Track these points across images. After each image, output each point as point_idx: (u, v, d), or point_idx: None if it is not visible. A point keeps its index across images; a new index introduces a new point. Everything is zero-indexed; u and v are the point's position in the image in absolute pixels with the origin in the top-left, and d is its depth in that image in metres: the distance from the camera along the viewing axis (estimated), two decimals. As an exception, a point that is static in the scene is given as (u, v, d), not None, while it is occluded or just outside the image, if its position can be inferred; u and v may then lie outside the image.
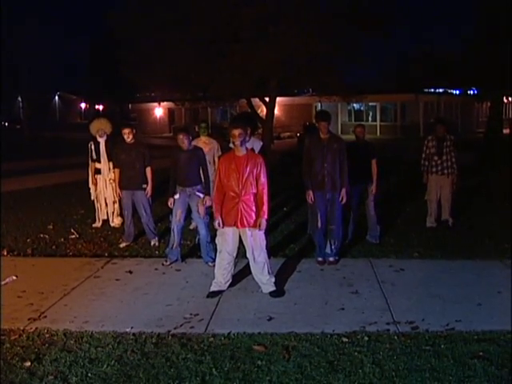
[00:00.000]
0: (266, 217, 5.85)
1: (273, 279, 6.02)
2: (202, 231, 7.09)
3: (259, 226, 5.83)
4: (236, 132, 5.77)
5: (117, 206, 9.27)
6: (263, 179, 5.85)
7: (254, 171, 5.81)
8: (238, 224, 5.85)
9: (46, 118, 63.34)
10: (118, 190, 8.30)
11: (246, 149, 5.94)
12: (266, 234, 6.11)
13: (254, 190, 5.84)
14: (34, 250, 8.03)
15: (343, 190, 6.96)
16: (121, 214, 8.98)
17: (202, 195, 7.05)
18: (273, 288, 5.98)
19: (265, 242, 5.99)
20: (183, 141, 7.03)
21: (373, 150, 8.14)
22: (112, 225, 9.32)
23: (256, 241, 5.91)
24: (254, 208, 5.85)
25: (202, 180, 7.13)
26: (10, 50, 39.98)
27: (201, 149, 7.35)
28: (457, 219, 9.15)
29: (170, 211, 7.22)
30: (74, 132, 40.98)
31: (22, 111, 49.87)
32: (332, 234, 7.07)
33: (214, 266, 6.22)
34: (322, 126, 6.94)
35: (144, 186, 7.94)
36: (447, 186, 8.88)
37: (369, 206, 8.09)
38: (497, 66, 18.01)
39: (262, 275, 5.97)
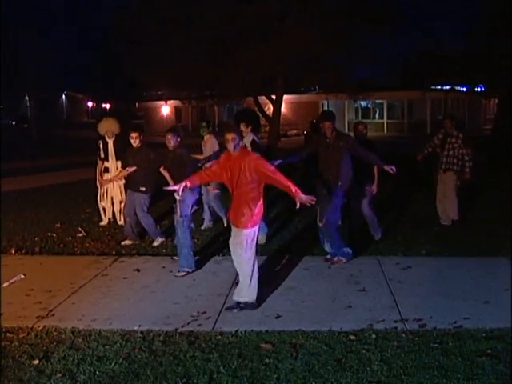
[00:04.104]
0: (299, 193, 5.34)
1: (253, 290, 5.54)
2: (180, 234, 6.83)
3: (299, 199, 5.32)
4: (229, 136, 5.42)
5: (123, 204, 9.28)
6: (268, 167, 5.43)
7: (247, 170, 5.39)
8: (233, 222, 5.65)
9: (53, 116, 63.69)
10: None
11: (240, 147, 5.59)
12: (257, 232, 5.70)
13: (251, 185, 5.43)
14: (41, 248, 8.06)
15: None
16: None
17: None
18: (244, 299, 5.53)
19: (250, 243, 5.52)
20: (170, 141, 7.00)
21: (374, 148, 7.87)
22: (120, 223, 9.32)
23: (237, 241, 5.55)
24: (243, 209, 5.46)
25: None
26: (16, 50, 40.15)
27: (183, 148, 7.18)
28: (464, 216, 9.11)
29: (173, 210, 7.19)
30: (81, 131, 41.16)
31: (30, 110, 50.11)
32: (326, 231, 6.90)
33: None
34: (327, 126, 6.75)
35: (142, 188, 7.94)
36: (450, 182, 8.88)
37: (363, 205, 7.86)
38: (503, 62, 17.91)
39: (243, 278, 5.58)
